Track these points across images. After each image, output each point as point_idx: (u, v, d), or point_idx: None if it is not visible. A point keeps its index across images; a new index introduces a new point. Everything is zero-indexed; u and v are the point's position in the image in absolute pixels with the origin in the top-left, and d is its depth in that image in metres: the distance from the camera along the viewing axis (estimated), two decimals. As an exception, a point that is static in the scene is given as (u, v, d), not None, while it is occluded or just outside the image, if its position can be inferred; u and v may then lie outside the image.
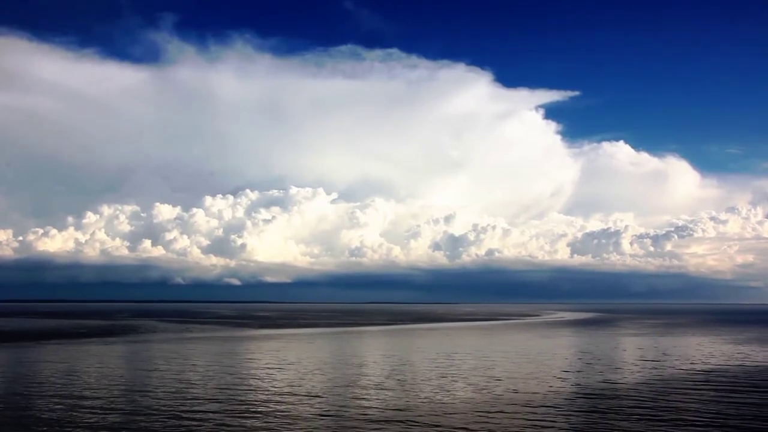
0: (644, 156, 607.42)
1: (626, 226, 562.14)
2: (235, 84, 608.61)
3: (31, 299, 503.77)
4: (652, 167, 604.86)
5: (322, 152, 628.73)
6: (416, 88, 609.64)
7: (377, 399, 30.27)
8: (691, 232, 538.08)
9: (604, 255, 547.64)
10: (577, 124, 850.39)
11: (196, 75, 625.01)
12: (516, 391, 32.43)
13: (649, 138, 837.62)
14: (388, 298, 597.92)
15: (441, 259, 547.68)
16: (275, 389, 33.22)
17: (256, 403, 29.14)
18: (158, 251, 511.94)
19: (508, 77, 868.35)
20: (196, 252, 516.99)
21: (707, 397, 31.24)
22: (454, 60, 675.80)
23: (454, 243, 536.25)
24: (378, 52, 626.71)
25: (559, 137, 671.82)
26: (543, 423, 24.93)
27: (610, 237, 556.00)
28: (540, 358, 50.03)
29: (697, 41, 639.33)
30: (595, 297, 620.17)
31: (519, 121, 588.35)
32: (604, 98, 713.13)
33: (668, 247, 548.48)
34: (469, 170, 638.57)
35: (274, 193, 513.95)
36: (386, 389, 33.22)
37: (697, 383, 35.73)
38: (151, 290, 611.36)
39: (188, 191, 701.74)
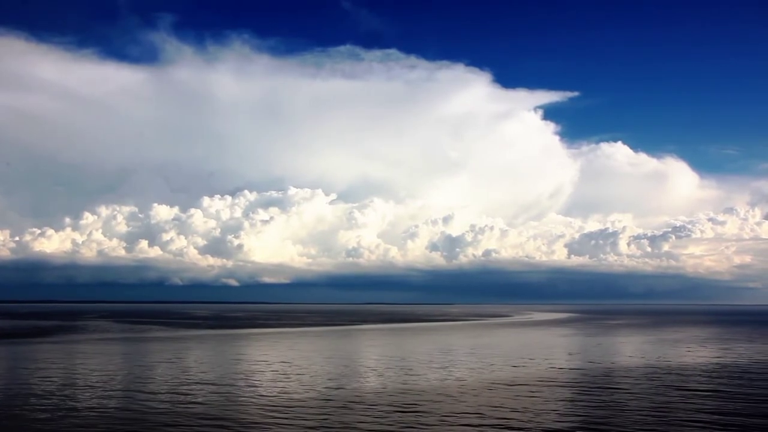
0: (643, 157, 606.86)
1: (624, 227, 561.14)
2: (233, 84, 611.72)
3: (27, 300, 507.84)
4: (651, 168, 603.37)
5: (320, 153, 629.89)
6: (415, 88, 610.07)
7: (204, 397, 30.77)
8: (689, 233, 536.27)
9: (602, 256, 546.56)
10: (575, 124, 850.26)
11: (194, 75, 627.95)
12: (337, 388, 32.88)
13: (647, 139, 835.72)
14: (386, 298, 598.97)
15: (438, 259, 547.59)
16: (133, 388, 33.74)
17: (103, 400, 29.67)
18: (155, 252, 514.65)
19: (507, 78, 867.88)
20: (193, 253, 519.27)
21: (518, 396, 31.51)
22: (452, 60, 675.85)
23: (452, 243, 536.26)
24: (377, 53, 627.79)
25: (557, 138, 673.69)
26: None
27: (607, 238, 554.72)
28: (419, 355, 50.30)
29: (696, 41, 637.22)
30: (592, 298, 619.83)
31: (518, 122, 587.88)
32: (602, 99, 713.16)
33: (666, 247, 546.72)
34: (468, 171, 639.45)
35: (273, 193, 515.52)
36: (207, 387, 33.73)
37: (542, 381, 36.08)
38: (149, 291, 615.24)
39: (187, 192, 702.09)
